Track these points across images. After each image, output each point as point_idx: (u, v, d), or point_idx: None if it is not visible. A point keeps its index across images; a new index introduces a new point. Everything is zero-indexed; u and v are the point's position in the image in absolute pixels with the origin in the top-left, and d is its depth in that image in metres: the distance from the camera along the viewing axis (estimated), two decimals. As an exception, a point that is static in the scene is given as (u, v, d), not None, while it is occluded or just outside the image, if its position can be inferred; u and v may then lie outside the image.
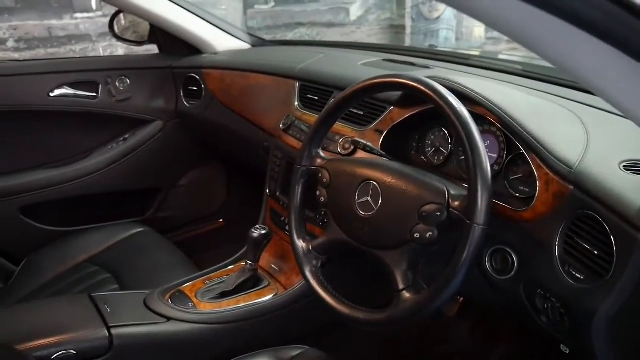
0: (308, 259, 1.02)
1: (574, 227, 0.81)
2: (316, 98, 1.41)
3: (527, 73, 1.34)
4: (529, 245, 0.89)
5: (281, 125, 1.44)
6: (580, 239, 0.80)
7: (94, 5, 3.50)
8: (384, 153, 1.12)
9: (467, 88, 0.97)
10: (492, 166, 1.04)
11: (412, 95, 1.09)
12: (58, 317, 1.17)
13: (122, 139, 1.93)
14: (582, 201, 0.80)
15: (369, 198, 0.92)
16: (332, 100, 1.05)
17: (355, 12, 4.19)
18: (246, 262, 1.31)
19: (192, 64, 1.89)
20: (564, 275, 0.81)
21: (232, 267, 1.41)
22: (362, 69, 1.43)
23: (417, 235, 0.85)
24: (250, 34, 2.09)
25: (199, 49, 1.94)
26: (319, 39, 4.10)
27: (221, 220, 2.19)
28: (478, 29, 4.75)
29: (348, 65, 1.49)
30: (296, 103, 1.46)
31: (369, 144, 1.14)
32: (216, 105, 1.79)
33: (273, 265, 1.40)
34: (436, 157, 1.16)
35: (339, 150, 1.24)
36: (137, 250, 1.59)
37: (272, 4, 3.99)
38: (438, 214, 0.83)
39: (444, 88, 0.87)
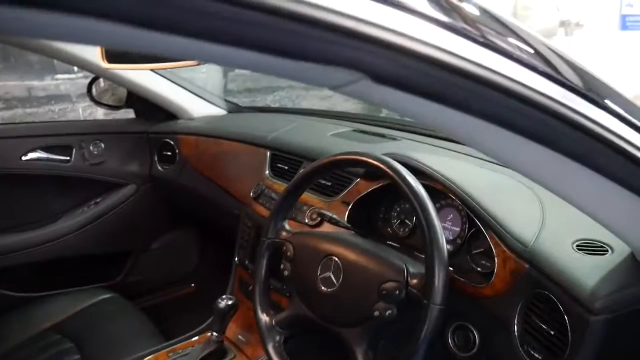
0: (271, 334, 1.00)
1: (531, 306, 0.82)
2: (286, 167, 1.43)
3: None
4: (490, 323, 0.90)
5: (251, 194, 1.45)
6: (537, 318, 0.81)
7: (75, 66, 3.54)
8: (349, 226, 1.14)
9: (425, 165, 1.00)
10: (454, 240, 1.06)
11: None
12: None
13: (93, 202, 1.91)
14: (537, 280, 0.81)
15: (330, 274, 0.93)
16: (299, 173, 1.07)
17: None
18: (212, 333, 1.28)
19: (167, 130, 1.91)
20: (523, 354, 0.82)
21: (197, 337, 1.39)
22: (331, 140, 1.46)
23: (377, 313, 0.85)
24: (226, 100, 2.13)
25: (175, 115, 1.97)
26: (297, 102, 4.20)
27: (192, 285, 2.15)
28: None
29: (318, 136, 1.52)
30: (267, 172, 1.48)
31: (334, 216, 1.15)
32: (189, 171, 1.80)
33: (240, 336, 1.38)
34: (402, 229, 1.18)
35: (306, 220, 1.24)
36: (102, 318, 1.56)
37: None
38: (397, 292, 0.84)
39: (401, 166, 0.90)
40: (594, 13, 5.19)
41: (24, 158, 1.78)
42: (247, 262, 1.42)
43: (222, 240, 1.81)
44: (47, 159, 1.82)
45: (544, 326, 0.79)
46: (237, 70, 4.02)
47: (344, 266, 0.91)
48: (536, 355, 0.80)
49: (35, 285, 1.80)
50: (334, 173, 1.25)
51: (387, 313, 0.84)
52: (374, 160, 0.92)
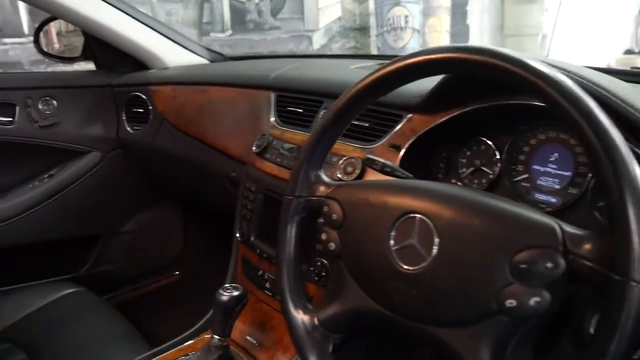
0: (314, 340, 0.66)
1: None
2: (300, 110, 1.08)
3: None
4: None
5: (254, 148, 1.10)
6: None
7: (26, 29, 3.10)
8: (411, 176, 0.79)
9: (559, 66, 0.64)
10: (564, 189, 0.74)
11: (450, 91, 0.78)
12: None
13: (47, 175, 1.57)
14: None
15: (414, 242, 0.58)
16: (348, 90, 0.70)
17: (318, 40, 3.96)
18: (212, 336, 0.93)
19: (137, 81, 1.56)
20: None
21: (192, 341, 1.07)
22: (358, 72, 1.11)
23: (511, 302, 0.50)
24: (208, 49, 1.76)
25: (145, 65, 1.60)
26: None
27: (177, 273, 1.84)
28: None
29: (338, 70, 1.18)
30: (272, 119, 1.13)
31: (388, 163, 0.80)
32: (167, 130, 1.46)
33: (249, 338, 1.04)
34: (476, 181, 0.84)
35: (339, 175, 0.91)
36: (65, 318, 1.26)
37: (230, 31, 3.71)
38: (549, 265, 0.49)
39: (565, 77, 0.52)
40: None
41: None
42: (252, 238, 1.08)
43: (213, 215, 1.48)
44: (-19, 121, 1.46)
45: None
46: (212, 34, 3.64)
47: (438, 229, 0.56)
48: None
49: None
50: (372, 109, 0.91)
51: (532, 302, 0.49)
52: (505, 61, 0.53)
